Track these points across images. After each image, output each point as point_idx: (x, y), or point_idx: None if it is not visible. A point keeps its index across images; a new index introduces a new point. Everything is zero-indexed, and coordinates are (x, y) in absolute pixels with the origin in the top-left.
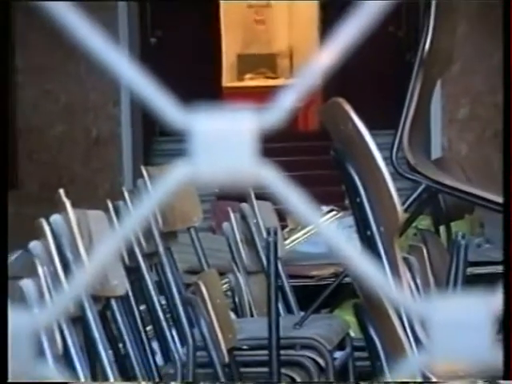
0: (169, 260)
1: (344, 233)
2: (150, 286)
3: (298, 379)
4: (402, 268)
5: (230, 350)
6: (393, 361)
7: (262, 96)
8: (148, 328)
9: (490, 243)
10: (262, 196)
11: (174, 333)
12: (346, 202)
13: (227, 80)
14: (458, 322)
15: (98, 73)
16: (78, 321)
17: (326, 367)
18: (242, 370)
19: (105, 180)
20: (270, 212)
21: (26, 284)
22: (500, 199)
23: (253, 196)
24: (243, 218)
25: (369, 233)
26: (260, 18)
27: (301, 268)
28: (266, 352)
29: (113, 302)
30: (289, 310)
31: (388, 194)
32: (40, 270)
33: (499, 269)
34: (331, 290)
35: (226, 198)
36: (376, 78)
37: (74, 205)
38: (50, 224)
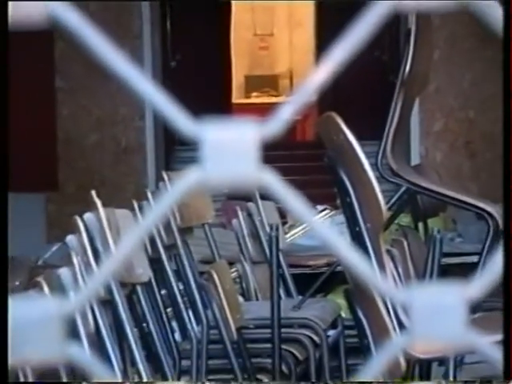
0: (186, 251)
1: (336, 229)
2: (170, 274)
3: (297, 354)
4: (386, 259)
5: (238, 329)
6: (378, 339)
7: (266, 111)
8: (168, 310)
9: (461, 237)
10: (265, 196)
11: (191, 314)
12: (338, 202)
13: (236, 97)
14: (434, 306)
15: (126, 91)
16: (108, 304)
17: (320, 344)
18: (249, 345)
19: (131, 183)
20: (272, 210)
21: (63, 272)
22: (469, 199)
23: (258, 196)
24: (249, 215)
25: (357, 229)
26: (264, 45)
27: (299, 258)
28: (268, 330)
29: (138, 288)
30: (288, 295)
31: (374, 195)
32: (75, 260)
33: (469, 259)
34: (325, 278)
35: (235, 198)
36: (364, 95)
37: (104, 204)
38: (83, 221)
